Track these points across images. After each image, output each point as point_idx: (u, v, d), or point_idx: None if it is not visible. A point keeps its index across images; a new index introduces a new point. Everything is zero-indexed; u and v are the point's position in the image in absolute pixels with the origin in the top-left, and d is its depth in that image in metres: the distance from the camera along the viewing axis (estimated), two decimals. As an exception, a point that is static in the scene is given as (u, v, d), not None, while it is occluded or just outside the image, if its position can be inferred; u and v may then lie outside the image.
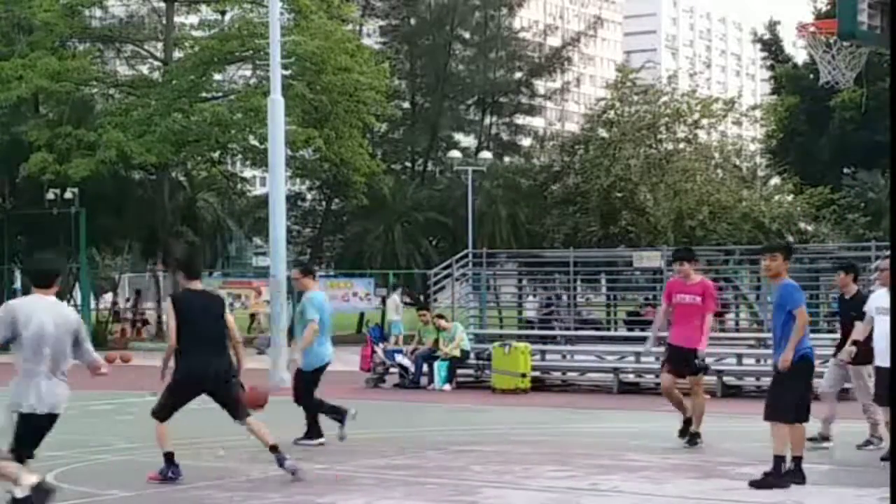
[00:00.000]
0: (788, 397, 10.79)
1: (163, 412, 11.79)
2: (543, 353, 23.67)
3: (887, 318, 11.70)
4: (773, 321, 11.16)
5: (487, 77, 50.45)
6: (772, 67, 54.81)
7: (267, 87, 28.10)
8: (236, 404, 11.69)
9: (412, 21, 50.89)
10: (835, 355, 13.71)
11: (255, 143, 38.95)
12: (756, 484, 10.71)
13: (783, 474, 10.72)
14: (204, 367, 11.54)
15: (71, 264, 39.73)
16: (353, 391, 22.48)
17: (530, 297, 35.38)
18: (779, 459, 10.70)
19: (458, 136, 53.13)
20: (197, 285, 11.88)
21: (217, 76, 41.27)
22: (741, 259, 30.72)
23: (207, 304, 11.77)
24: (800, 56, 53.72)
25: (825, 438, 13.19)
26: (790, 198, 44.12)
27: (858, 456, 11.72)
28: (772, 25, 55.35)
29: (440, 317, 23.72)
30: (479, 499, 10.70)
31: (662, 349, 14.53)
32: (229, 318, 11.93)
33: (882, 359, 11.85)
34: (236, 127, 38.08)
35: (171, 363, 11.66)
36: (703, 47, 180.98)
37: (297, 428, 14.47)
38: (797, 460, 10.89)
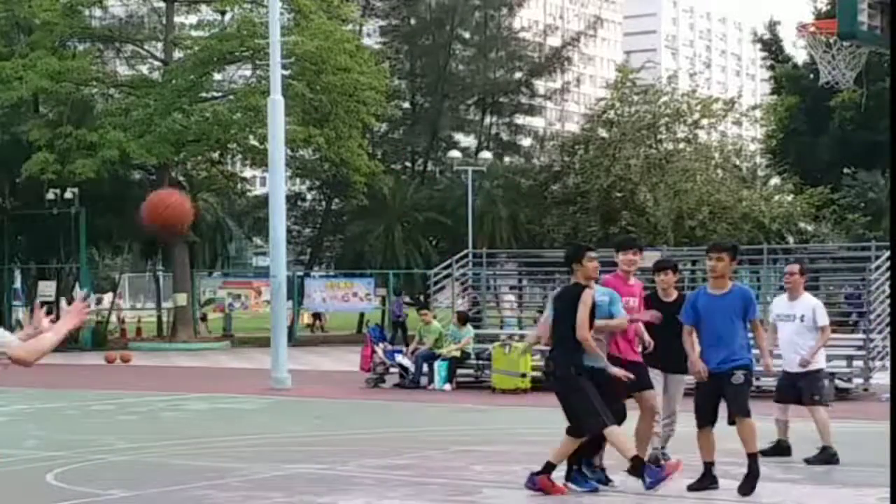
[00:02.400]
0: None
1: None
2: (543, 353, 23.64)
3: (790, 325, 12.31)
4: (721, 324, 10.55)
5: (487, 77, 50.45)
6: (772, 67, 54.83)
7: (266, 86, 28.10)
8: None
9: (412, 21, 50.89)
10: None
11: (255, 143, 38.95)
12: (693, 487, 10.62)
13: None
14: None
15: (71, 264, 39.73)
16: (354, 391, 22.49)
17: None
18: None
19: (458, 136, 53.13)
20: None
21: (217, 76, 41.28)
22: (741, 259, 30.72)
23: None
24: (800, 56, 53.72)
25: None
26: (790, 198, 44.14)
27: (858, 456, 11.72)
28: (772, 25, 55.37)
29: (461, 314, 23.63)
30: (479, 499, 10.70)
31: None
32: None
33: (790, 364, 12.35)
34: (236, 127, 38.08)
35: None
36: (703, 47, 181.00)
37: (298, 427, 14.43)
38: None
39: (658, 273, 11.84)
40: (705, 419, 10.56)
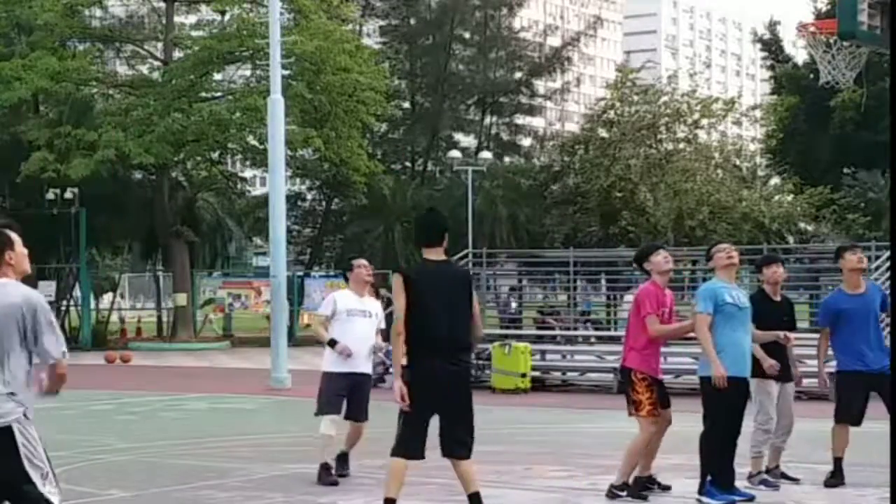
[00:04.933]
0: None
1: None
2: (543, 353, 23.67)
3: (361, 321, 11.78)
4: (867, 323, 10.62)
5: (487, 77, 50.47)
6: (772, 67, 54.88)
7: (266, 86, 28.07)
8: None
9: (412, 21, 50.91)
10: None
11: (255, 143, 38.96)
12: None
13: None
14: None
15: (71, 264, 39.70)
16: (353, 391, 22.47)
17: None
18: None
19: (458, 136, 53.16)
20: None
21: (217, 76, 41.27)
22: (741, 259, 30.75)
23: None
24: (800, 56, 53.78)
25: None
26: (790, 198, 44.18)
27: (858, 456, 11.70)
28: (772, 25, 55.42)
29: None
30: (479, 499, 10.67)
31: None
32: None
33: (329, 365, 11.88)
34: (235, 127, 38.08)
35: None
36: (703, 47, 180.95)
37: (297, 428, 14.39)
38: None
39: (769, 266, 11.57)
40: (848, 417, 10.72)
